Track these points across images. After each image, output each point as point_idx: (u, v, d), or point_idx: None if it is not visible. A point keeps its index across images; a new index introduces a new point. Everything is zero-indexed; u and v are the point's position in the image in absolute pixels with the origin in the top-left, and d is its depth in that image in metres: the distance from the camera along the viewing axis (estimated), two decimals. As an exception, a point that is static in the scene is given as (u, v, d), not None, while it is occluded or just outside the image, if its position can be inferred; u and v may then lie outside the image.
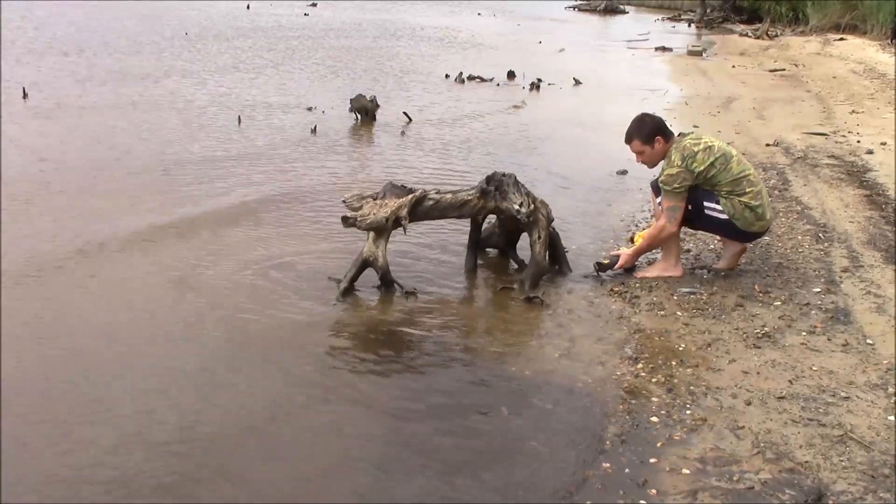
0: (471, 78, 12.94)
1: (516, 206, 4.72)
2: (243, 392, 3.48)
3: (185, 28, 16.83)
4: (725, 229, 4.75)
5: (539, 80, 12.68)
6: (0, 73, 10.55)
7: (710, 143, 4.64)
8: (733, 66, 15.71)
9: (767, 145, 8.63)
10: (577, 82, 12.95)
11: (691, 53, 17.61)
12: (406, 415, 3.36)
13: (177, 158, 7.26)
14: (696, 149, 4.60)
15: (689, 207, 4.68)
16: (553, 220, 4.92)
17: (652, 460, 3.06)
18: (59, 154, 7.17)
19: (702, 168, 4.57)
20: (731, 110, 10.96)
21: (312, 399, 3.45)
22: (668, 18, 28.30)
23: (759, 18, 24.12)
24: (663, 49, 18.44)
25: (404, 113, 9.54)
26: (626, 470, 3.02)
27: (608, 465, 3.05)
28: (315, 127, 8.61)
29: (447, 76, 13.03)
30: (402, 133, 9.04)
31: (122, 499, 2.79)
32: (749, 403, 3.44)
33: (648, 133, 4.67)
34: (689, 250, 5.32)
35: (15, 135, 7.72)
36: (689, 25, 26.01)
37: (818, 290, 4.62)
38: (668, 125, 4.78)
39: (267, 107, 9.85)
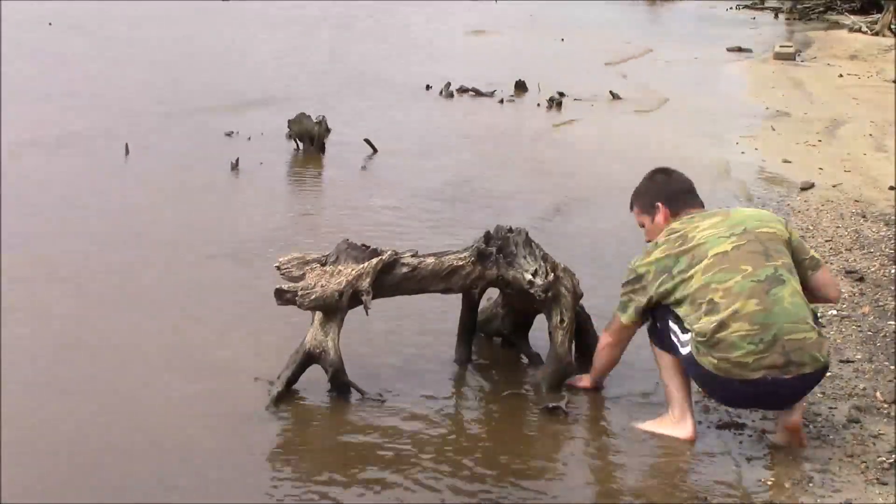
0: (462, 90, 13.15)
1: (528, 276, 4.80)
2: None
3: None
4: (689, 369, 4.38)
5: (561, 95, 12.91)
6: (0, 79, 11.24)
7: (695, 229, 4.35)
8: (841, 76, 16.05)
9: (891, 188, 8.80)
10: (615, 97, 13.20)
11: (779, 57, 17.99)
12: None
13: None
14: (661, 239, 4.43)
15: (658, 325, 4.49)
16: (582, 295, 5.01)
17: None
18: None
19: (649, 273, 4.37)
20: (839, 138, 11.19)
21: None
22: (746, 7, 28.95)
23: (877, 6, 24.58)
24: (738, 50, 18.84)
25: (366, 140, 9.68)
26: None
27: None
28: (237, 160, 8.72)
29: (429, 87, 13.24)
30: (363, 168, 9.17)
31: None
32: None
33: (649, 197, 4.60)
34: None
35: None
36: (776, 16, 26.61)
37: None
38: (692, 192, 4.58)
39: (168, 129, 9.98)
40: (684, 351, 4.32)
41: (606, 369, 4.83)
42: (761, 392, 4.20)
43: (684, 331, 4.30)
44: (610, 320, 4.64)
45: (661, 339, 4.46)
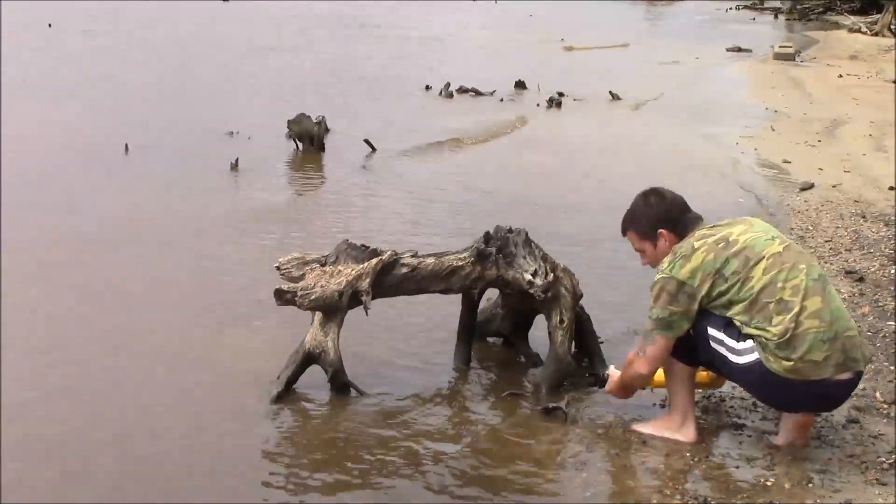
0: (462, 90, 13.18)
1: (528, 277, 4.81)
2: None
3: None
4: (747, 378, 4.23)
5: (560, 95, 12.95)
6: (0, 73, 11.52)
7: (730, 234, 4.20)
8: (841, 76, 16.09)
9: (890, 188, 8.81)
10: (615, 97, 13.24)
11: (779, 57, 18.01)
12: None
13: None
14: (696, 244, 4.20)
15: (690, 333, 4.28)
16: (581, 295, 5.01)
17: None
18: None
19: (695, 279, 4.14)
20: (838, 138, 11.22)
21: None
22: (746, 7, 29.03)
23: (877, 6, 24.63)
24: (738, 50, 18.86)
25: (365, 141, 9.70)
26: None
27: None
28: (237, 160, 8.74)
29: (428, 87, 13.28)
30: (363, 168, 9.18)
31: None
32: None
33: (649, 222, 4.40)
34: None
35: None
36: (776, 17, 26.66)
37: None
38: (688, 209, 4.41)
39: (168, 128, 9.99)
40: (741, 360, 4.15)
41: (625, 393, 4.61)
42: (827, 392, 4.15)
43: (742, 338, 4.13)
44: (643, 346, 4.30)
45: (685, 349, 4.30)
